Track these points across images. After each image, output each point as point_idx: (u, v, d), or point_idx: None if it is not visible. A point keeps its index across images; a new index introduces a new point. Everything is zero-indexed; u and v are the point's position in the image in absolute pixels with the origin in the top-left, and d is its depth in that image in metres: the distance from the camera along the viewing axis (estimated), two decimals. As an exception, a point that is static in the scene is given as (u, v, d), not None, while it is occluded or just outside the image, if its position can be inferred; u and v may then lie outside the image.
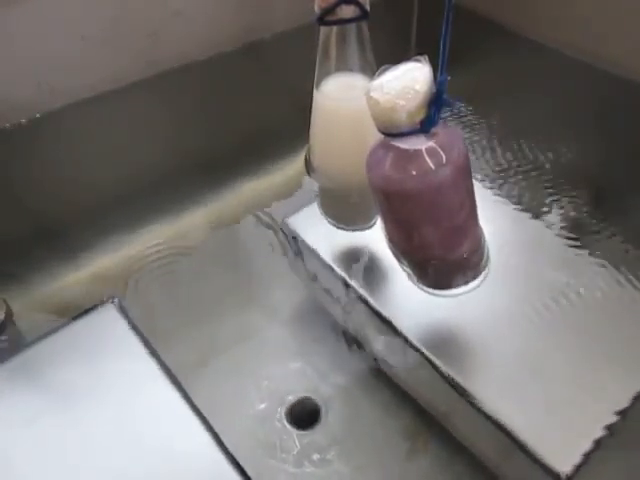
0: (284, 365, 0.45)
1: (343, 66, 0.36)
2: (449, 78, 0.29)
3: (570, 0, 0.60)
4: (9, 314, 0.45)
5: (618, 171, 0.52)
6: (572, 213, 0.47)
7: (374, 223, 0.42)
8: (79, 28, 0.50)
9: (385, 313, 0.40)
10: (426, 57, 0.29)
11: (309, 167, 0.42)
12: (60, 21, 0.49)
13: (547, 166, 0.53)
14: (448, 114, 0.59)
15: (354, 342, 0.45)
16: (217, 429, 0.36)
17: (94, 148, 0.55)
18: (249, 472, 0.35)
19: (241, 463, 0.35)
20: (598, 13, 0.58)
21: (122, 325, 0.42)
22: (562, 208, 0.47)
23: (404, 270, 0.37)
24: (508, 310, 0.40)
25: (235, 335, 0.47)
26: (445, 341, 0.38)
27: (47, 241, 0.53)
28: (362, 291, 0.41)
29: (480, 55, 0.65)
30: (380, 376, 0.43)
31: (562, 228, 0.45)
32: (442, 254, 0.34)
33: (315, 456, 0.40)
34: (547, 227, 0.45)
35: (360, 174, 0.33)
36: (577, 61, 0.61)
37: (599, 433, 0.33)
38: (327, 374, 0.44)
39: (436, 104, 0.29)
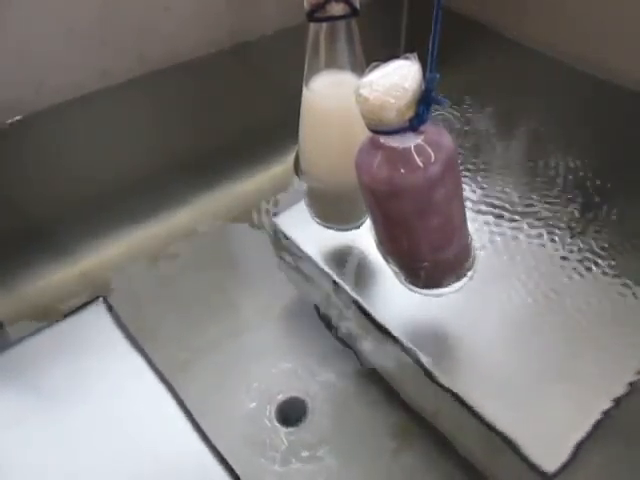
0: (274, 364, 0.45)
1: (332, 63, 0.36)
2: (438, 76, 0.29)
3: (557, 2, 0.61)
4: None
5: (607, 172, 0.52)
6: (561, 213, 0.47)
7: (362, 223, 0.42)
8: (66, 24, 0.49)
9: (374, 312, 0.40)
10: (415, 55, 0.29)
11: (298, 169, 0.41)
12: (46, 17, 0.48)
13: (536, 166, 0.53)
14: (436, 113, 0.59)
15: (343, 341, 0.45)
16: (206, 428, 0.36)
17: (82, 147, 0.54)
18: (237, 470, 0.35)
19: (229, 461, 0.35)
20: (583, 15, 0.59)
21: (110, 324, 0.42)
22: (551, 208, 0.47)
23: (392, 269, 0.37)
24: (495, 309, 0.40)
25: (224, 334, 0.47)
26: (432, 340, 0.38)
27: (34, 240, 0.52)
28: (351, 290, 0.41)
29: (468, 56, 0.66)
30: (369, 375, 0.43)
31: (550, 228, 0.45)
32: (430, 253, 0.34)
33: (303, 453, 0.40)
34: (535, 227, 0.45)
35: (349, 172, 0.33)
36: (562, 63, 0.62)
37: (586, 431, 0.33)
38: (316, 373, 0.44)
39: (425, 102, 0.29)
